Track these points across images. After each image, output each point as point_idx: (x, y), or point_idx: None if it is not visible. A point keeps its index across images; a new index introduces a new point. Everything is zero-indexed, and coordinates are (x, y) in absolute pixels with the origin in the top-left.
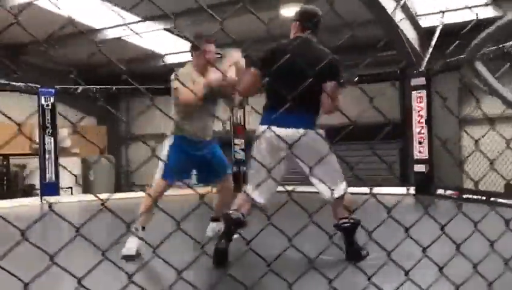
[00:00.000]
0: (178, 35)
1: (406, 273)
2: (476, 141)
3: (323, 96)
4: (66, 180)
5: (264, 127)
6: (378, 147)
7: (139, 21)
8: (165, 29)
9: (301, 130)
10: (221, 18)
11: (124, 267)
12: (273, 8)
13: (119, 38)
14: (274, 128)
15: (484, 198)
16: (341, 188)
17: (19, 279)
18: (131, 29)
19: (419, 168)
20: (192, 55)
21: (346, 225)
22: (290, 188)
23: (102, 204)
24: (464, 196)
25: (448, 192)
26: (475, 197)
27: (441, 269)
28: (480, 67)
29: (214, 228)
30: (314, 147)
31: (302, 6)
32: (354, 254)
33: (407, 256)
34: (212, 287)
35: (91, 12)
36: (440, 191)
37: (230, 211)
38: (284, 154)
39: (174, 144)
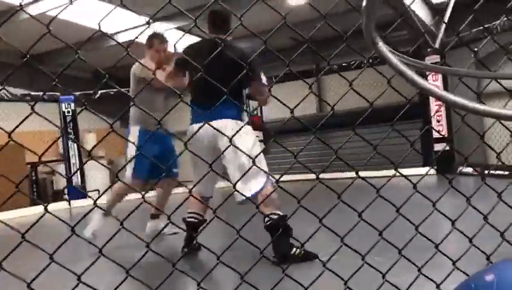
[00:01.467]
0: (192, 34)
1: (436, 246)
2: None
3: (252, 90)
4: (92, 183)
5: (193, 125)
6: (399, 128)
7: (149, 21)
8: (178, 28)
9: (220, 123)
10: (240, 14)
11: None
12: None
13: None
14: (197, 125)
15: (508, 173)
16: (253, 187)
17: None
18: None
19: (440, 147)
20: (147, 50)
21: (267, 223)
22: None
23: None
24: (487, 172)
25: (471, 169)
26: (499, 172)
27: (470, 240)
28: (383, 47)
29: (153, 226)
30: (224, 139)
31: (211, 9)
32: (282, 250)
33: (435, 230)
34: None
35: (102, 17)
36: (462, 169)
37: (187, 216)
38: (211, 147)
39: (141, 138)
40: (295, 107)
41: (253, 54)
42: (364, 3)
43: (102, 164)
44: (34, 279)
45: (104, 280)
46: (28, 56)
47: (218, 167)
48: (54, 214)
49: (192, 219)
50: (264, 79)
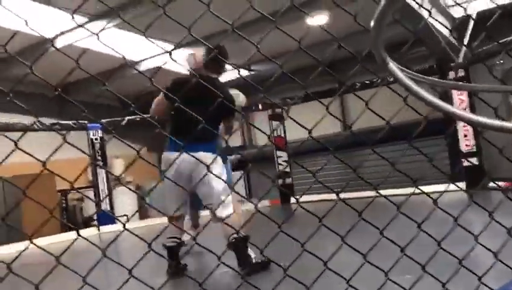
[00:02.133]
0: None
1: (460, 261)
2: None
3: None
4: (121, 208)
5: (168, 153)
6: (424, 145)
7: (174, 48)
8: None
9: (196, 155)
10: (257, 40)
11: None
12: (298, 19)
13: (157, 68)
14: (174, 154)
15: None
16: (225, 212)
17: None
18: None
19: (468, 161)
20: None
21: (232, 241)
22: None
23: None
24: None
25: (501, 183)
26: None
27: (495, 255)
28: (393, 66)
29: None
30: (197, 170)
31: (206, 48)
32: (243, 265)
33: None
34: None
35: (128, 46)
36: (493, 184)
37: (166, 241)
38: (185, 174)
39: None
40: (313, 128)
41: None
42: (372, 24)
43: (130, 189)
44: None
45: None
46: (59, 90)
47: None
48: (86, 238)
49: (172, 243)
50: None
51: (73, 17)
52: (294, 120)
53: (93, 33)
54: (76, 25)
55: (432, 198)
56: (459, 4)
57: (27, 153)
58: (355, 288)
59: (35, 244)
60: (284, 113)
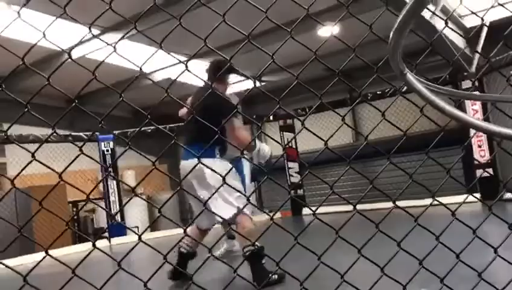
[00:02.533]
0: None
1: (479, 274)
2: None
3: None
4: (132, 219)
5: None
6: (439, 155)
7: (187, 60)
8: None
9: (194, 161)
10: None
11: None
12: (311, 29)
13: (168, 79)
14: (182, 162)
15: None
16: (223, 214)
17: None
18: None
19: (483, 173)
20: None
21: (246, 254)
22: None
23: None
24: None
25: None
26: None
27: None
28: (410, 77)
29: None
30: (203, 176)
31: (212, 60)
32: (259, 279)
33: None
34: None
35: (138, 58)
36: (509, 195)
37: (181, 246)
38: (192, 182)
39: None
40: (329, 139)
41: (230, 102)
42: (392, 34)
43: (144, 199)
44: None
45: None
46: (76, 101)
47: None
48: (101, 249)
49: (187, 249)
50: (237, 125)
51: (90, 30)
52: (310, 131)
53: (109, 44)
54: (90, 37)
55: (450, 210)
56: (474, 13)
57: (44, 165)
58: None
59: (51, 256)
60: (296, 124)
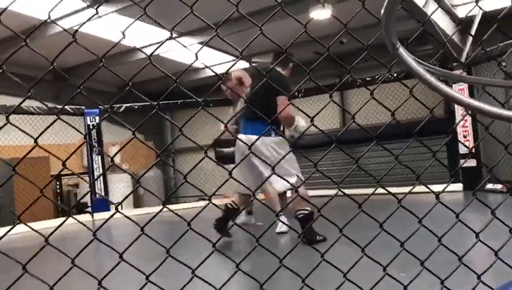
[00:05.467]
0: (215, 48)
1: (460, 258)
2: None
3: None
4: (115, 195)
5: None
6: (426, 144)
7: (176, 37)
8: (200, 43)
9: (255, 136)
10: (260, 26)
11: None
12: (302, 12)
13: (157, 56)
14: (241, 135)
15: None
16: (285, 184)
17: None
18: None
19: (466, 162)
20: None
21: (300, 215)
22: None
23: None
24: None
25: (499, 186)
26: None
27: (496, 253)
28: (402, 51)
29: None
30: (264, 150)
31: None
32: (308, 237)
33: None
34: None
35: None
36: (490, 186)
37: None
38: (246, 154)
39: None
40: (315, 116)
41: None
42: (383, 8)
43: (127, 171)
44: (56, 282)
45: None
46: (54, 64)
47: (255, 171)
48: (79, 220)
49: (232, 206)
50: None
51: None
52: (301, 110)
53: (96, 13)
54: (79, 8)
55: (434, 192)
56: (467, 3)
57: (19, 129)
58: (352, 281)
59: (25, 224)
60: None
